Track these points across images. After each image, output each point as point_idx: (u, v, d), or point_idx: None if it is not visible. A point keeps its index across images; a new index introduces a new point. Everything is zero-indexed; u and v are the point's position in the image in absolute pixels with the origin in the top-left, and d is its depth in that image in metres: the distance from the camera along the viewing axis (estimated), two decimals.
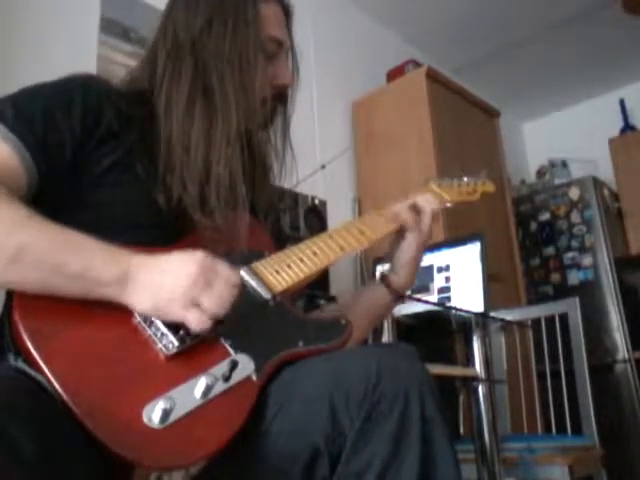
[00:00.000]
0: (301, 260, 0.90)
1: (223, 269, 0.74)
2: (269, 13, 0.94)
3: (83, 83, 0.85)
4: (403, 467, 0.68)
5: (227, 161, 0.86)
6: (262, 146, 0.99)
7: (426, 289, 1.89)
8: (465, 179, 1.19)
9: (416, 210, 1.03)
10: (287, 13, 1.00)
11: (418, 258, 1.05)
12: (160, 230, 0.84)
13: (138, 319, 0.72)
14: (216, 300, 0.71)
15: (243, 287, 0.79)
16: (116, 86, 0.91)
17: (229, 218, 0.88)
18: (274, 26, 0.94)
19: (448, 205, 1.14)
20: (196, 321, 0.70)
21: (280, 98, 0.99)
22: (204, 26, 0.90)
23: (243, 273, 0.84)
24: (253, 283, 0.84)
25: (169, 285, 0.70)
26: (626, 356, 3.16)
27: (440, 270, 1.90)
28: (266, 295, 0.83)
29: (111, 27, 2.01)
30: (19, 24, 1.78)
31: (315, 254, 0.91)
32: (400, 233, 1.04)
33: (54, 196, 0.80)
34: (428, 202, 1.04)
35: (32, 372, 0.64)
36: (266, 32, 0.93)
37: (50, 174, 0.78)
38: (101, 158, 0.82)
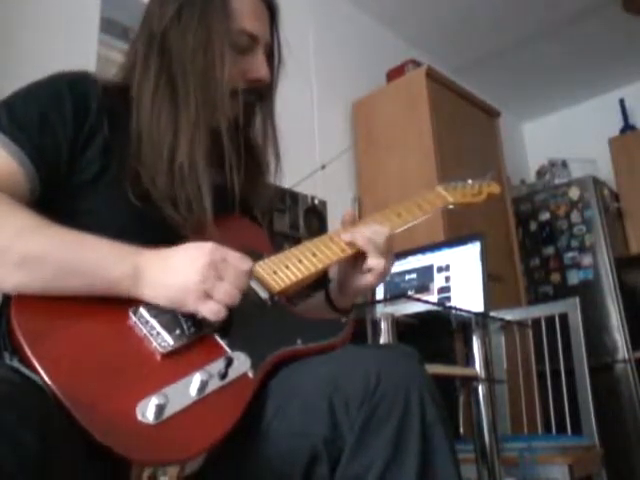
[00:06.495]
0: (300, 261, 0.89)
1: (233, 258, 0.75)
2: (243, 6, 0.92)
3: (71, 79, 0.86)
4: (403, 471, 0.68)
5: (190, 155, 0.85)
6: (250, 143, 0.97)
7: (426, 289, 1.89)
8: (470, 181, 1.20)
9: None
10: (271, 9, 0.97)
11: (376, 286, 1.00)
12: (151, 233, 0.82)
13: (134, 319, 0.73)
14: (228, 291, 0.73)
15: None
16: (105, 83, 0.89)
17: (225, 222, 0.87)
18: (248, 19, 0.92)
19: (450, 207, 1.14)
20: (210, 312, 0.72)
21: (257, 94, 0.96)
22: (174, 16, 0.89)
23: None
24: (251, 283, 0.83)
25: (181, 281, 0.72)
26: (626, 356, 3.17)
27: (440, 270, 1.90)
28: (264, 295, 0.84)
29: (111, 27, 2.01)
30: (19, 24, 1.78)
31: (314, 255, 0.91)
32: (360, 261, 0.94)
33: (52, 203, 0.80)
34: (376, 234, 0.92)
35: (27, 371, 0.64)
36: (237, 25, 0.91)
37: (50, 177, 0.79)
38: (90, 163, 0.82)
